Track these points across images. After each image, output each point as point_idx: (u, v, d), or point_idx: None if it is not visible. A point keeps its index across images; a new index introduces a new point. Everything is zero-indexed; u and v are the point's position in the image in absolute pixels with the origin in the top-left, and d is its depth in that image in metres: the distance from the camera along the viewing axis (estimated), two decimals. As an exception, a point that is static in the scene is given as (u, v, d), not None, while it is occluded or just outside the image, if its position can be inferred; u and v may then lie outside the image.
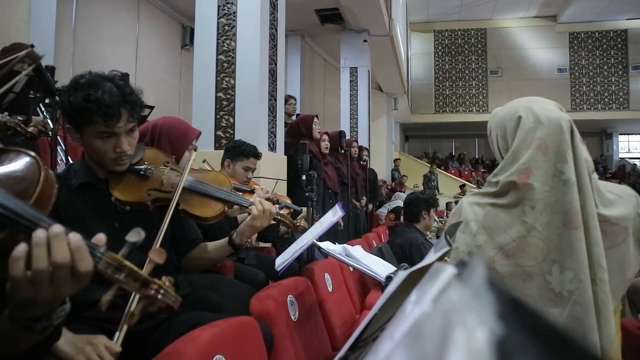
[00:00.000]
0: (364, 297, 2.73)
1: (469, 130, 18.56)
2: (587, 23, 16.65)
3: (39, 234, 0.65)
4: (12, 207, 0.67)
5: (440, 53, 18.00)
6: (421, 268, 0.81)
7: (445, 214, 9.48)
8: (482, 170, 17.05)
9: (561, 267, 0.98)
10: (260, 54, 3.46)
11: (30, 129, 1.88)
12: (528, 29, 17.24)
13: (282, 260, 1.88)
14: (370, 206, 6.07)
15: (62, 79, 2.93)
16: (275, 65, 3.76)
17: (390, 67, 10.89)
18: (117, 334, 1.05)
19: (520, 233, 1.01)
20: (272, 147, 3.66)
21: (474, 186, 13.47)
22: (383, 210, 7.08)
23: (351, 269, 2.28)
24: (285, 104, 4.68)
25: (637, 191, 1.12)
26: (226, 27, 3.52)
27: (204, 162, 2.34)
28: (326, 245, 2.02)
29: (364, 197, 5.42)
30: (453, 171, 16.61)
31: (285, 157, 3.80)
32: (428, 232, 3.29)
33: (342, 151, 4.65)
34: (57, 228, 0.67)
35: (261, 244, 3.12)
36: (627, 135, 18.64)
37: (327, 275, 2.20)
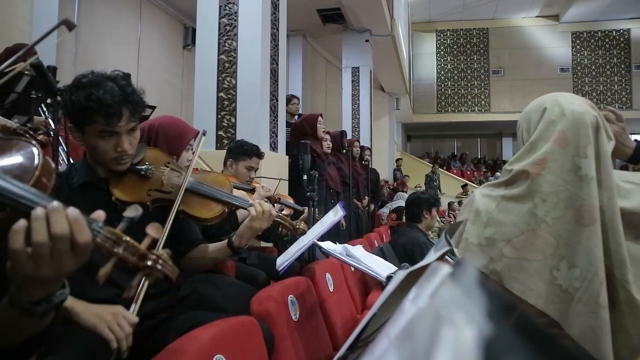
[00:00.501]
0: (365, 297, 2.73)
1: (471, 130, 18.52)
2: (589, 22, 16.61)
3: (38, 210, 0.67)
4: (10, 188, 0.69)
5: (442, 53, 17.97)
6: (420, 267, 0.81)
7: (447, 214, 9.47)
8: (484, 170, 17.03)
9: (569, 263, 0.96)
10: (261, 54, 3.46)
11: (39, 137, 1.90)
12: (530, 28, 17.20)
13: (283, 260, 1.88)
14: (372, 206, 6.08)
15: (64, 79, 2.94)
16: (277, 65, 3.76)
17: (392, 67, 10.88)
18: (133, 305, 1.13)
19: (529, 226, 0.99)
20: (274, 147, 3.66)
21: (476, 186, 13.45)
22: (385, 210, 7.07)
23: (352, 268, 2.28)
24: (288, 104, 4.68)
25: None
26: (227, 27, 3.52)
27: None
28: (327, 245, 2.02)
29: (366, 197, 5.43)
30: (455, 171, 16.58)
31: (287, 157, 3.81)
32: (430, 232, 3.28)
33: (344, 151, 4.66)
34: (56, 203, 0.68)
35: (263, 244, 3.13)
36: (630, 135, 18.55)
37: (328, 275, 2.20)
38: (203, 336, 1.08)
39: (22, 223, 0.66)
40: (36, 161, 0.78)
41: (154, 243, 0.79)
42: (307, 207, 2.64)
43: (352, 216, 4.63)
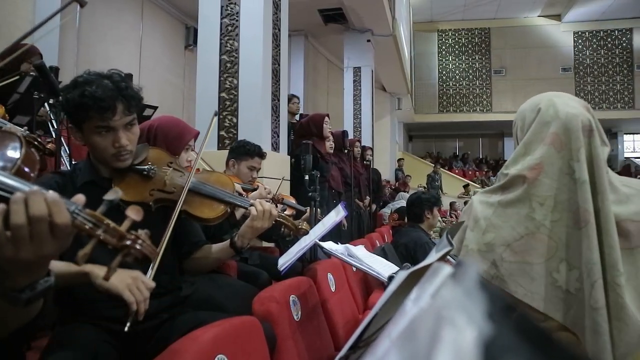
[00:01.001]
0: (367, 297, 2.73)
1: (473, 130, 18.50)
2: (591, 22, 16.57)
3: (17, 194, 0.68)
4: None
5: (444, 52, 17.96)
6: (422, 268, 0.81)
7: (448, 213, 9.47)
8: (486, 170, 17.00)
9: (569, 265, 0.97)
10: (263, 54, 3.46)
11: (48, 145, 1.90)
12: (532, 28, 17.18)
13: (285, 260, 1.89)
14: (374, 206, 6.07)
15: (67, 79, 2.94)
16: (279, 65, 3.76)
17: (394, 66, 10.87)
18: (149, 271, 1.18)
19: (528, 230, 1.00)
20: (275, 147, 3.67)
21: (477, 186, 13.45)
22: (386, 210, 7.07)
23: (354, 269, 2.28)
24: (288, 103, 4.68)
25: None
26: (229, 28, 3.53)
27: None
28: (329, 245, 2.03)
29: (368, 197, 5.42)
30: (457, 171, 16.56)
31: (288, 157, 3.81)
32: (431, 232, 3.28)
33: (346, 151, 4.66)
34: (35, 187, 0.70)
35: (264, 244, 3.13)
36: (632, 135, 18.53)
37: (330, 275, 2.20)
38: (205, 336, 1.08)
39: (0, 207, 0.67)
40: (18, 152, 0.80)
41: (133, 225, 0.80)
42: (308, 208, 2.64)
43: (354, 216, 4.63)
